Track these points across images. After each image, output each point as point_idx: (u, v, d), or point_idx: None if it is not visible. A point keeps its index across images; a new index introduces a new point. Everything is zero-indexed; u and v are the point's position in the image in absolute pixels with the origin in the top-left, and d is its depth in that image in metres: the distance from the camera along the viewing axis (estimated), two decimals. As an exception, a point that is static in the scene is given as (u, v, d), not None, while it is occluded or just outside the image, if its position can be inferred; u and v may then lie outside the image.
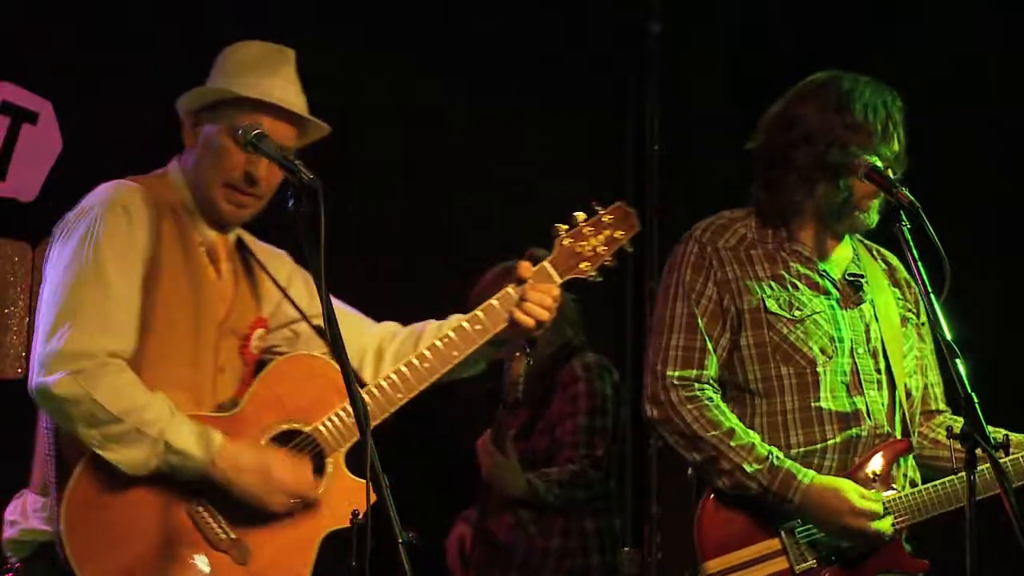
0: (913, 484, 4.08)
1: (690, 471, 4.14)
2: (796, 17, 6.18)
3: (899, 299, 4.22)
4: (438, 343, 3.72)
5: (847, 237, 4.21)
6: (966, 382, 3.57)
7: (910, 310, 4.22)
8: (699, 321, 4.07)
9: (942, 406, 4.27)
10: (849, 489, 3.94)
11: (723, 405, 4.06)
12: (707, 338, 4.06)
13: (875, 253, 4.29)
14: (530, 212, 6.02)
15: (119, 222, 3.55)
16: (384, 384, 3.69)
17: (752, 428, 4.05)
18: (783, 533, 3.99)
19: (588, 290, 6.06)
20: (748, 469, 3.95)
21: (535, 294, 3.78)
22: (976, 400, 3.56)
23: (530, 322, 3.77)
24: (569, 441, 5.31)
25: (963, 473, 3.78)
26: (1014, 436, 4.08)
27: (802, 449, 4.02)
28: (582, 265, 3.85)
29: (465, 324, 3.76)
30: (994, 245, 5.73)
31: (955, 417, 4.23)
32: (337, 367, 3.63)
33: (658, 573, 5.89)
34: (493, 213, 6.00)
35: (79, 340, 3.44)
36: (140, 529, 3.47)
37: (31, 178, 5.33)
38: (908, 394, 4.14)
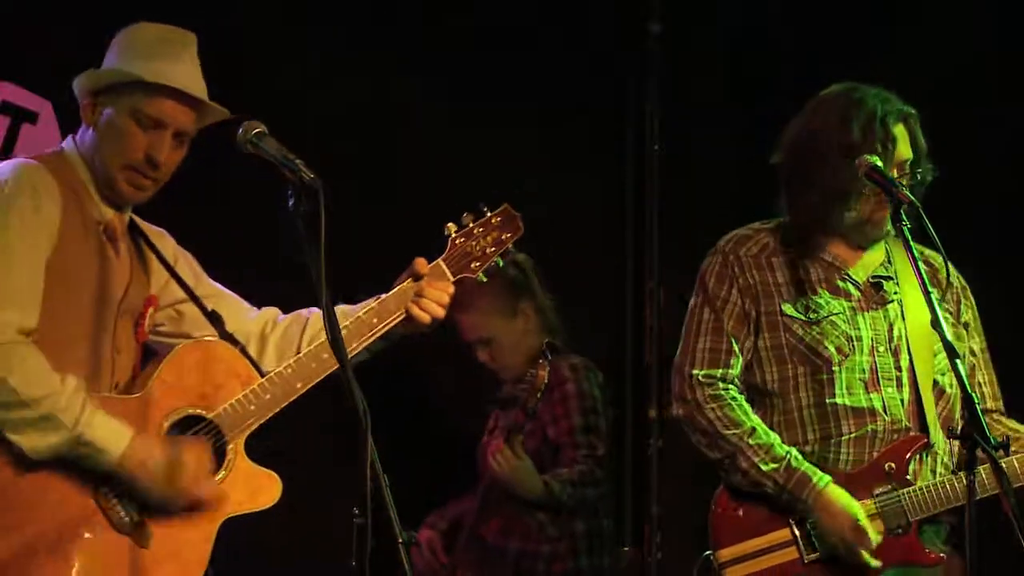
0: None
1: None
2: (796, 17, 6.18)
3: (936, 300, 4.23)
4: (343, 331, 3.70)
5: (879, 245, 4.27)
6: (966, 382, 3.61)
7: (948, 310, 4.27)
8: (725, 324, 4.20)
9: (990, 404, 4.31)
10: (855, 506, 4.02)
11: (746, 405, 4.17)
12: (732, 340, 4.19)
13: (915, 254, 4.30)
14: (530, 212, 6.02)
15: (26, 200, 3.57)
16: (284, 372, 3.74)
17: (770, 427, 4.15)
18: (794, 524, 4.09)
19: (588, 290, 6.09)
20: (764, 468, 4.06)
21: (432, 291, 3.85)
22: (976, 400, 3.60)
23: (426, 318, 3.85)
24: (568, 442, 5.31)
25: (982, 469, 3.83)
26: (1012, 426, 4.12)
27: (818, 445, 4.11)
28: (473, 264, 3.93)
29: (362, 316, 3.82)
30: (994, 245, 5.73)
31: (1003, 420, 4.29)
32: (238, 353, 3.74)
33: (658, 573, 5.90)
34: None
35: None
36: (44, 508, 3.49)
37: (31, 178, 5.33)
38: (941, 392, 4.20)
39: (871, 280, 4.24)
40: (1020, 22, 5.84)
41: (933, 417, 4.15)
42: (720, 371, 4.17)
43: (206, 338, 3.78)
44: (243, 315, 3.93)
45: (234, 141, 3.55)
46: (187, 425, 3.68)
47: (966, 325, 4.31)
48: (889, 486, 4.07)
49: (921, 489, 4.06)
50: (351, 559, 4.94)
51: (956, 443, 4.16)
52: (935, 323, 3.69)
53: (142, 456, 3.53)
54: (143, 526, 3.57)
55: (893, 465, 4.07)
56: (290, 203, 3.31)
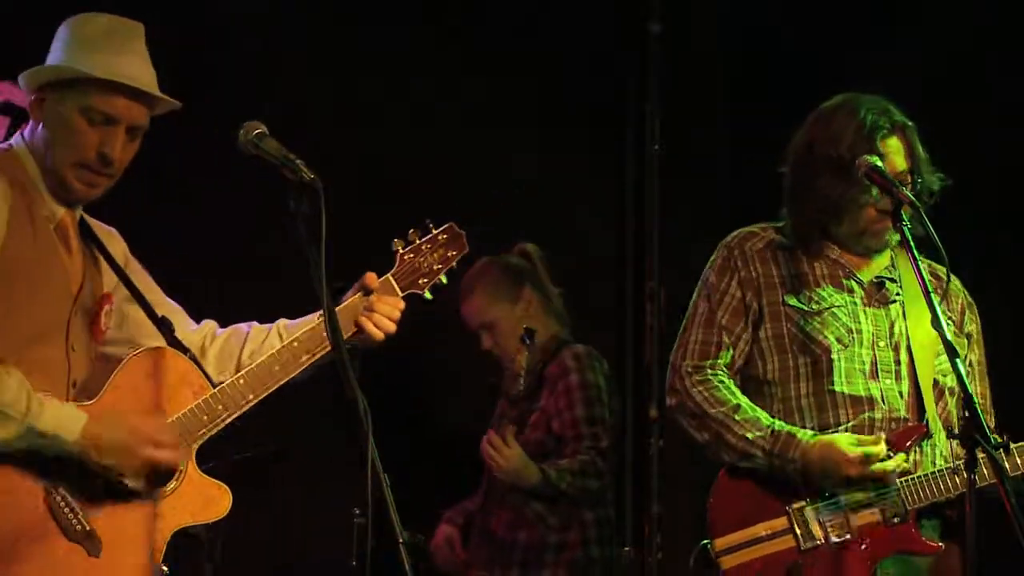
0: None
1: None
2: (796, 17, 6.17)
3: (937, 301, 4.24)
4: (294, 343, 3.74)
5: (888, 249, 4.29)
6: (966, 381, 3.63)
7: (951, 318, 4.28)
8: (718, 318, 4.25)
9: None
10: (842, 440, 4.06)
11: (734, 387, 4.22)
12: (724, 333, 4.25)
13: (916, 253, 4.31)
14: (531, 212, 6.03)
15: None
16: (236, 382, 3.69)
17: (769, 416, 4.17)
18: (791, 512, 4.10)
19: (588, 290, 6.08)
20: (750, 436, 4.11)
21: (383, 306, 3.81)
22: (976, 400, 3.61)
23: (378, 333, 3.80)
24: (572, 434, 5.30)
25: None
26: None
27: (817, 428, 4.13)
28: (420, 280, 3.89)
29: (314, 330, 3.76)
30: (994, 245, 5.73)
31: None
32: (190, 362, 3.67)
33: (658, 573, 5.89)
34: (493, 212, 6.00)
35: None
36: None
37: (31, 178, 5.32)
38: (942, 393, 4.22)
39: (875, 280, 4.27)
40: (1020, 22, 5.83)
41: (932, 412, 4.16)
42: (709, 361, 4.24)
43: (158, 346, 3.71)
44: (184, 327, 3.88)
45: (234, 143, 3.55)
46: None
47: (968, 336, 4.32)
48: None
49: (919, 478, 4.07)
50: (351, 559, 4.95)
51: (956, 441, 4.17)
52: (935, 322, 3.71)
53: (97, 432, 3.47)
54: (93, 535, 3.51)
55: (891, 453, 4.06)
56: (291, 203, 3.29)
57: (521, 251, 5.52)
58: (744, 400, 4.19)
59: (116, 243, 3.86)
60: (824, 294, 4.21)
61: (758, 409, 4.17)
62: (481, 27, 6.09)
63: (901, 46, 5.92)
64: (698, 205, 6.16)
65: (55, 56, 3.67)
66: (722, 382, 4.21)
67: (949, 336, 3.68)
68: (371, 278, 3.83)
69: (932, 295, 3.77)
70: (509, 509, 5.35)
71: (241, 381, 3.70)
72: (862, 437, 4.06)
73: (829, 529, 4.08)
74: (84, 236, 3.76)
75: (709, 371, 4.22)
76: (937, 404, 4.20)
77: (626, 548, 5.76)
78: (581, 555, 5.31)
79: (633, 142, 6.29)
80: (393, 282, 3.86)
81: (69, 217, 3.70)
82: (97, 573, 3.50)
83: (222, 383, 3.71)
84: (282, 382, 3.74)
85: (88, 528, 3.50)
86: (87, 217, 3.79)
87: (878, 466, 4.03)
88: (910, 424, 4.14)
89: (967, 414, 3.60)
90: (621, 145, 6.35)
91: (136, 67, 3.62)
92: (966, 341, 4.31)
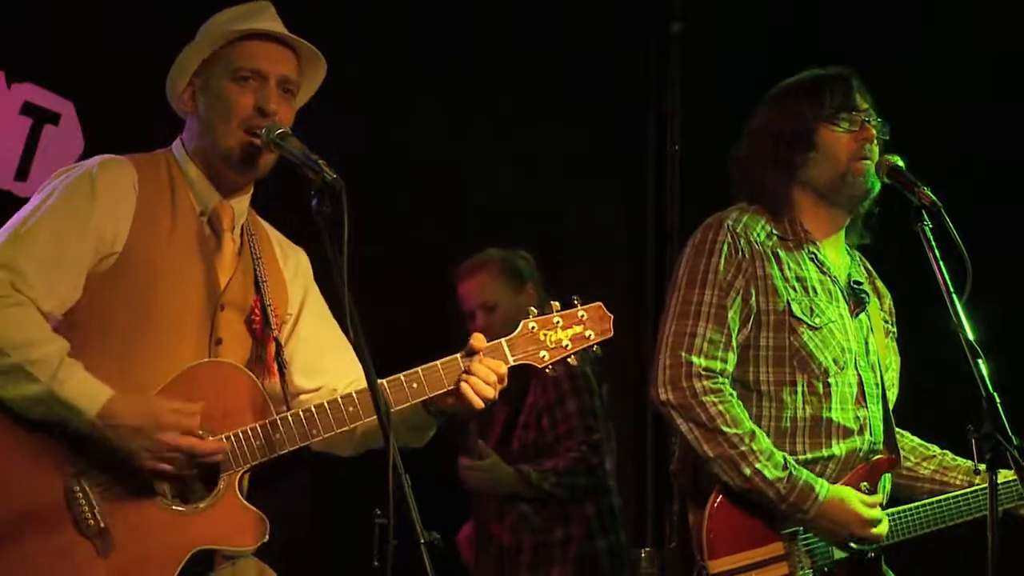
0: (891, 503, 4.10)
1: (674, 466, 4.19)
2: (817, 13, 6.17)
3: (880, 310, 4.23)
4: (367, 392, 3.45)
5: (844, 245, 4.19)
6: (988, 382, 3.59)
7: (886, 320, 4.23)
8: (728, 314, 4.01)
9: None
10: (853, 499, 3.97)
11: (740, 404, 4.02)
12: (732, 334, 4.01)
13: (859, 260, 4.28)
14: (551, 212, 6.04)
15: (83, 187, 3.50)
16: (302, 415, 3.51)
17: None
18: (786, 539, 3.99)
19: (610, 289, 6.08)
20: (769, 476, 3.92)
21: (481, 368, 3.56)
22: (999, 400, 3.58)
23: (474, 399, 3.55)
24: (565, 429, 5.28)
25: (942, 496, 4.03)
26: None
27: (808, 455, 4.02)
28: (541, 353, 3.63)
29: (402, 378, 3.54)
30: (993, 246, 5.72)
31: (905, 434, 4.29)
32: (257, 383, 3.54)
33: (671, 562, 5.88)
34: (514, 212, 6.01)
35: None
36: (12, 494, 3.36)
37: (53, 179, 5.34)
38: (892, 408, 4.16)
39: (850, 283, 4.15)
40: (1020, 22, 5.82)
41: (893, 435, 4.11)
42: (719, 366, 3.99)
43: (227, 362, 3.57)
44: (337, 380, 3.70)
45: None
46: None
47: (896, 339, 4.26)
48: None
49: (899, 514, 4.03)
50: (373, 559, 4.95)
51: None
52: (957, 324, 3.68)
53: (118, 411, 3.36)
54: (107, 533, 3.40)
55: (867, 486, 4.01)
56: (313, 203, 3.29)
57: (523, 255, 5.50)
58: (752, 423, 4.00)
59: (291, 258, 3.80)
60: (822, 306, 4.05)
61: (765, 436, 3.98)
62: (501, 28, 6.10)
63: (901, 46, 5.90)
64: (719, 205, 6.15)
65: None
66: (732, 395, 3.99)
67: (972, 338, 3.65)
68: (477, 339, 3.60)
69: (954, 296, 3.73)
70: (511, 513, 5.35)
71: (307, 414, 3.51)
72: (866, 499, 3.97)
73: (817, 560, 3.98)
74: (249, 239, 3.71)
75: (720, 379, 3.98)
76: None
77: (646, 549, 5.76)
78: (587, 547, 5.31)
79: (654, 142, 6.30)
80: (505, 347, 3.62)
81: (225, 208, 3.66)
82: (100, 572, 3.39)
83: (286, 413, 3.53)
84: (352, 426, 3.53)
85: (102, 525, 3.39)
86: (268, 226, 3.78)
87: (876, 529, 3.97)
88: (882, 455, 4.07)
89: (989, 415, 3.57)
90: (642, 145, 6.35)
91: (268, 24, 3.65)
92: (895, 345, 4.22)
